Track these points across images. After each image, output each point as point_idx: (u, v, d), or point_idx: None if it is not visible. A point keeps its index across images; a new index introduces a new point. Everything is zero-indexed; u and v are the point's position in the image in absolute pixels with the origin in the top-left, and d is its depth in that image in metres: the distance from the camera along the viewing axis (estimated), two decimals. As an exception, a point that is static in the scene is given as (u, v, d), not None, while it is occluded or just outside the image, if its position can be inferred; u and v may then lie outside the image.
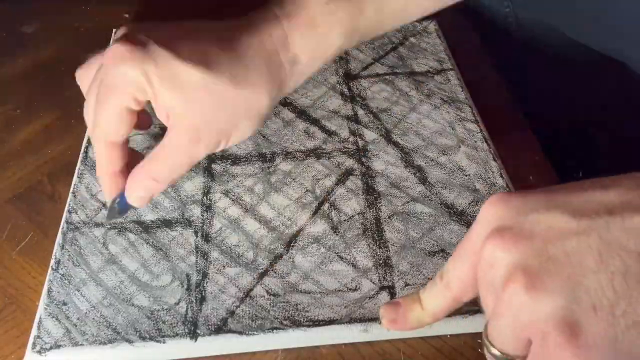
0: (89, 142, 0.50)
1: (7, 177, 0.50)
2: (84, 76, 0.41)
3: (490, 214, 0.30)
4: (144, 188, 0.40)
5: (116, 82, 0.37)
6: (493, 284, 0.28)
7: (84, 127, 0.51)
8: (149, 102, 0.38)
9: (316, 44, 0.42)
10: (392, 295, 0.41)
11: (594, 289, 0.25)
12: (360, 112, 0.54)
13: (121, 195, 0.41)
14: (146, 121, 0.46)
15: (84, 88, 0.42)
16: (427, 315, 0.34)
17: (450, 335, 0.40)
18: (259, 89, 0.39)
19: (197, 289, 0.41)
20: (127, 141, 0.40)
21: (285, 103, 0.54)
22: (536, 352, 0.27)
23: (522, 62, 0.65)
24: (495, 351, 0.29)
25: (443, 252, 0.43)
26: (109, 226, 0.44)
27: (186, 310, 0.39)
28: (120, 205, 0.41)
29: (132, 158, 0.41)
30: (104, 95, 0.38)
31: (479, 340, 0.38)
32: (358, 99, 0.55)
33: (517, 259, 0.27)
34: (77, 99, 0.56)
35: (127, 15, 0.67)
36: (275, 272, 0.42)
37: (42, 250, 0.44)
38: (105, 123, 0.38)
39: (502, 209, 0.30)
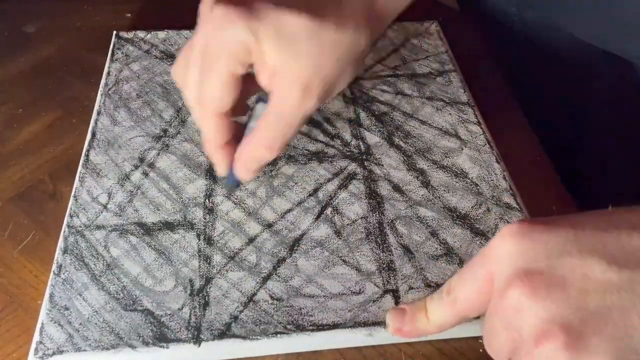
0: (90, 145, 0.50)
1: (9, 177, 0.50)
2: (179, 69, 0.40)
3: (512, 249, 0.28)
4: (256, 160, 0.40)
5: (222, 46, 0.36)
6: (519, 330, 0.27)
7: (85, 127, 0.52)
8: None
9: None
10: (396, 298, 0.40)
11: None
12: (362, 114, 0.54)
13: (230, 172, 0.42)
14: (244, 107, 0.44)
15: (180, 79, 0.40)
16: (432, 326, 0.35)
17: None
18: (359, 31, 0.37)
19: (200, 294, 0.40)
20: (231, 113, 0.39)
21: (288, 105, 0.54)
22: None
23: (526, 61, 0.65)
24: None
25: (446, 256, 0.43)
26: (110, 229, 0.44)
27: (189, 316, 0.39)
28: (230, 181, 0.43)
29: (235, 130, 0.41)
30: (209, 63, 0.36)
31: (480, 341, 0.39)
32: (360, 101, 0.55)
33: (553, 312, 0.26)
34: (79, 98, 0.57)
35: (129, 15, 0.67)
36: (278, 276, 0.42)
37: (43, 250, 0.44)
38: (212, 92, 0.37)
39: (527, 247, 0.28)
